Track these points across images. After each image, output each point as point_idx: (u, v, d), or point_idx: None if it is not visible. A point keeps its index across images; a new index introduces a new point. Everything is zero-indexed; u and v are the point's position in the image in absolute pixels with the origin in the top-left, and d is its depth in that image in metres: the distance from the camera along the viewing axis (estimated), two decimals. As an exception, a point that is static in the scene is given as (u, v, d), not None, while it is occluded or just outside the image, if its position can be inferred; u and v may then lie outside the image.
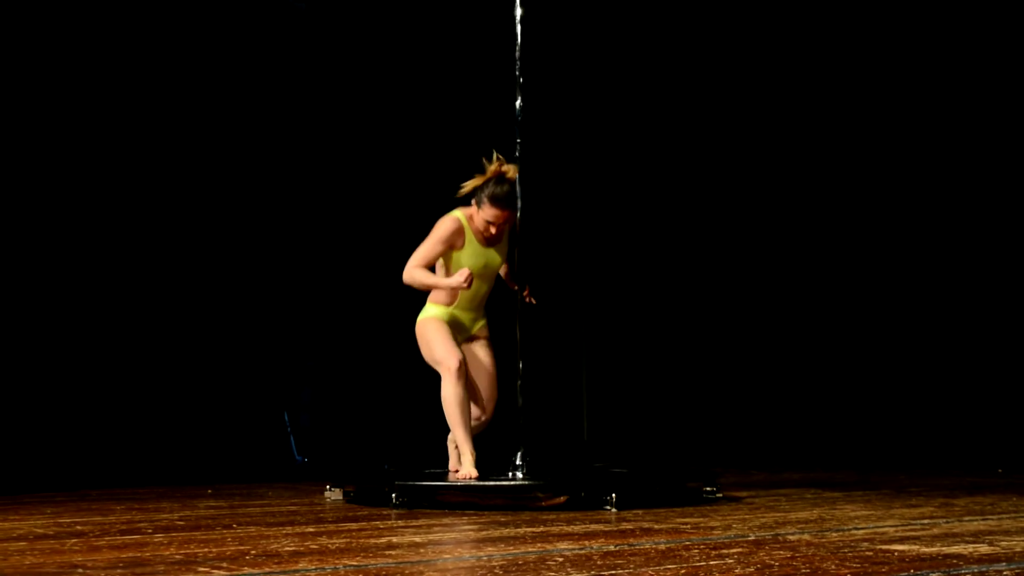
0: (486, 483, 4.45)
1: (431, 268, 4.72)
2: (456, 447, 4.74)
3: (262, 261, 6.50)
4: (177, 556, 3.18)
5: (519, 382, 4.63)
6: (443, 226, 4.70)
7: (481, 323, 4.85)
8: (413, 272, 4.68)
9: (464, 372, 4.62)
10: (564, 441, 6.77)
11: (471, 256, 4.71)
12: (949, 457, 6.50)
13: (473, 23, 6.60)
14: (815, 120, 7.43)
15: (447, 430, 4.77)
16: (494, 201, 4.63)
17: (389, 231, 6.67)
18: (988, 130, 6.84)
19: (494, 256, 4.75)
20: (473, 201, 4.69)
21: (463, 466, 4.60)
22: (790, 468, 6.14)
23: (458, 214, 4.72)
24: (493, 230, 4.67)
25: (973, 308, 6.89)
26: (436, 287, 4.72)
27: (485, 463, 4.60)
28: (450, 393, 4.63)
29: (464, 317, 4.80)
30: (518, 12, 4.79)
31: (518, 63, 4.75)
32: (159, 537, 3.57)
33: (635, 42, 7.61)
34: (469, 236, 4.71)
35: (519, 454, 4.60)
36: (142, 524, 3.91)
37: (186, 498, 4.86)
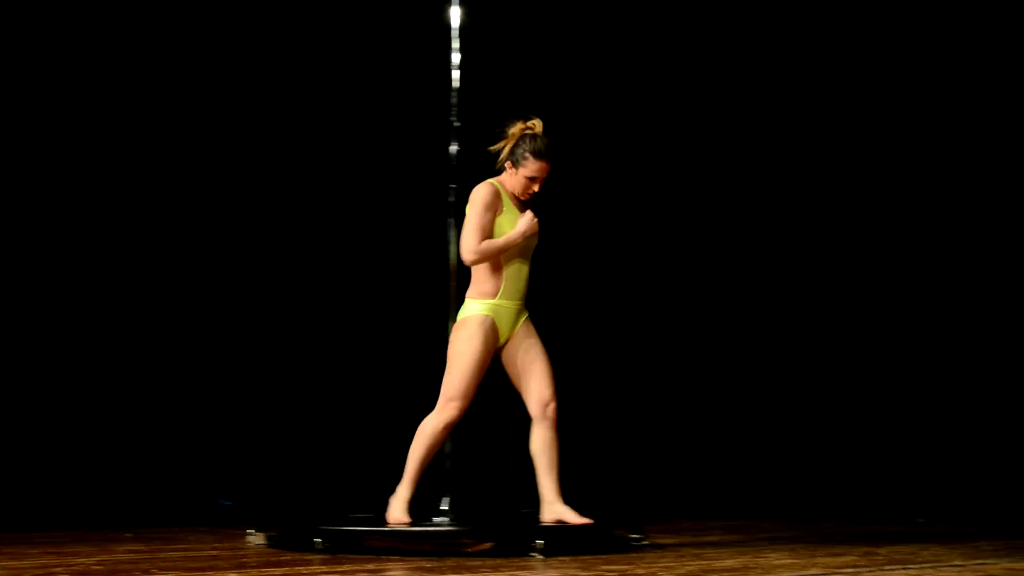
0: (412, 529, 4.27)
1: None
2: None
3: (182, 295, 6.21)
4: (85, 603, 2.97)
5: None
6: (479, 194, 4.34)
7: (524, 317, 4.42)
8: (478, 248, 4.29)
9: (457, 422, 4.33)
10: (491, 487, 6.60)
11: (513, 223, 4.35)
12: (872, 506, 6.42)
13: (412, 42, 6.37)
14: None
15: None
16: (537, 155, 4.32)
17: (322, 264, 6.46)
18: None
19: None
20: (508, 164, 4.38)
21: (395, 504, 4.33)
22: (716, 516, 6.04)
23: (489, 180, 4.40)
24: (536, 187, 4.36)
25: (896, 356, 6.79)
26: (507, 245, 4.31)
27: (411, 509, 4.38)
28: (431, 429, 4.33)
29: (510, 309, 4.38)
30: (455, 58, 4.66)
31: (454, 108, 4.62)
32: (72, 582, 3.36)
33: (592, 41, 7.05)
34: (506, 201, 4.37)
35: (445, 500, 4.45)
36: (58, 569, 3.71)
37: (104, 542, 4.60)
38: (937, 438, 6.59)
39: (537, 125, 4.39)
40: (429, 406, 4.44)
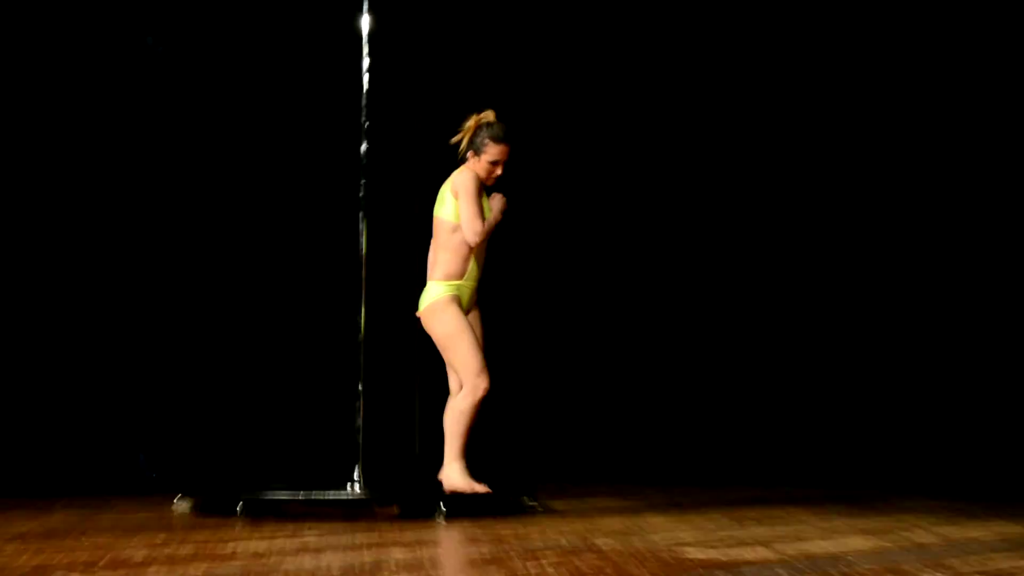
0: (325, 496, 4.45)
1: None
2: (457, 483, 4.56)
3: (109, 269, 6.21)
4: (31, 564, 3.14)
5: (358, 402, 4.62)
6: (466, 179, 4.53)
7: (474, 296, 4.66)
8: (481, 229, 4.50)
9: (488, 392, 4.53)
10: (398, 455, 6.78)
11: (486, 208, 4.60)
12: (740, 473, 6.67)
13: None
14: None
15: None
16: (496, 140, 4.55)
17: (247, 250, 6.52)
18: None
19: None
20: (470, 153, 4.59)
21: (453, 476, 4.52)
22: (602, 482, 6.27)
23: (466, 167, 4.60)
24: (499, 171, 4.57)
25: (761, 323, 6.87)
26: (495, 225, 4.55)
27: (326, 478, 4.59)
28: (469, 407, 4.52)
29: (470, 289, 4.62)
30: (366, 62, 4.83)
31: (364, 110, 4.78)
32: (12, 546, 3.50)
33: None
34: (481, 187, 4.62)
35: (356, 468, 4.61)
36: (-5, 533, 3.81)
37: (39, 510, 4.71)
38: (801, 412, 6.78)
39: (490, 115, 4.62)
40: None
